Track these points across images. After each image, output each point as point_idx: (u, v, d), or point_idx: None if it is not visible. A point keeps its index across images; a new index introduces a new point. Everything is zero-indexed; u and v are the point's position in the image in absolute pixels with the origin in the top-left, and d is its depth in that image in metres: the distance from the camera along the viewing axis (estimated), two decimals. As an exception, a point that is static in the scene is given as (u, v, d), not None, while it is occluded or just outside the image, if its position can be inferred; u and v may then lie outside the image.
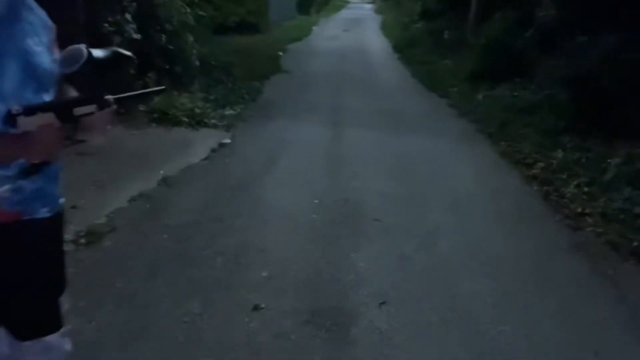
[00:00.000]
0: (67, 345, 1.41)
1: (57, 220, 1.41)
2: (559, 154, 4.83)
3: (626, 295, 2.82)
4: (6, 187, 1.23)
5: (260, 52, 10.42)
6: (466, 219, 3.69)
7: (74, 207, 3.19)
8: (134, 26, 5.21)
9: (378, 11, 27.10)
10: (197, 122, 5.59)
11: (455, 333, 2.42)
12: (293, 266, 2.92)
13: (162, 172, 4.18)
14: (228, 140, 5.20)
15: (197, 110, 5.79)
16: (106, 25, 4.79)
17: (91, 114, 1.20)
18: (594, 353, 2.33)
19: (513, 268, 3.04)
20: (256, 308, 2.50)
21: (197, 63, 6.84)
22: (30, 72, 1.22)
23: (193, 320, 2.40)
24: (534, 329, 2.47)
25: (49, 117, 1.15)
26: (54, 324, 1.37)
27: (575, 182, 4.22)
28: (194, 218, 3.45)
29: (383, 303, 2.62)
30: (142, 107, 5.65)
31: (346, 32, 16.79)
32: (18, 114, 1.12)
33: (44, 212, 1.35)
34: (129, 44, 4.98)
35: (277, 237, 3.27)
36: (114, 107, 1.25)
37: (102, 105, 1.22)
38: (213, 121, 5.72)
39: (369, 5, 32.53)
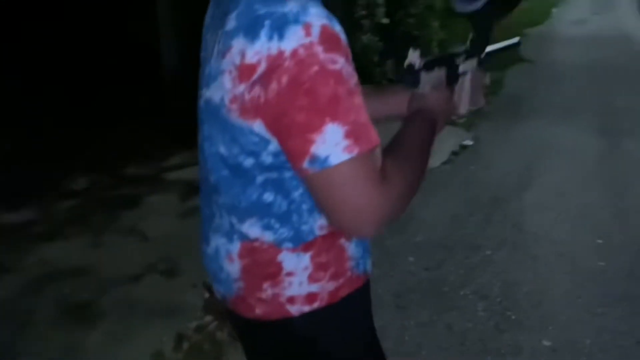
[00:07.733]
0: None
1: None
2: None
3: None
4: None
5: (495, 38, 9.35)
6: None
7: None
8: (384, 9, 4.84)
9: (636, -11, 22.63)
10: (434, 117, 5.03)
11: None
12: (585, 339, 2.16)
13: (401, 173, 3.76)
14: (470, 142, 4.52)
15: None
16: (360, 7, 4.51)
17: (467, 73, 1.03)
18: None
19: None
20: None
21: (437, 50, 6.26)
22: None
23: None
24: None
25: (441, 75, 1.00)
26: None
27: None
28: (443, 239, 2.93)
29: None
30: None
31: (596, 15, 14.22)
32: (420, 69, 0.97)
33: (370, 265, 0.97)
34: (377, 28, 4.64)
35: (555, 286, 2.53)
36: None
37: (482, 61, 1.05)
38: (451, 117, 5.09)
39: (622, -18, 27.49)
